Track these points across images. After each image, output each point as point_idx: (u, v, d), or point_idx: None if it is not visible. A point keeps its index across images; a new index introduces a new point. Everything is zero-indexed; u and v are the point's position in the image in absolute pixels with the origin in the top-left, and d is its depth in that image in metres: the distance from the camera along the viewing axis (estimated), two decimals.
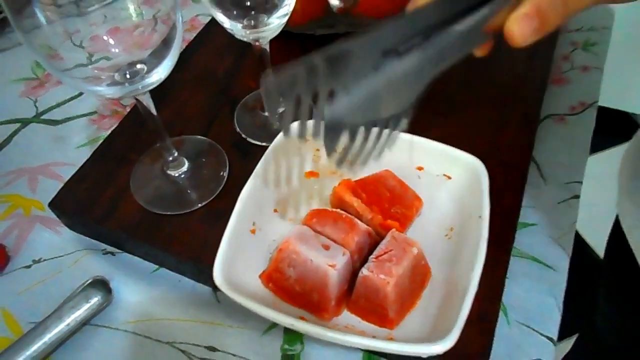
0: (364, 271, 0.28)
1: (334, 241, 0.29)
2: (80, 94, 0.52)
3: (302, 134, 0.26)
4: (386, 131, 0.25)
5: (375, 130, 0.25)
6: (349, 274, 0.29)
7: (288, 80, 0.23)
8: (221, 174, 0.40)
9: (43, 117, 0.51)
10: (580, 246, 1.10)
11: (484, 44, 0.27)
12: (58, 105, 0.52)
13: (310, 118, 0.24)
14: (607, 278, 0.53)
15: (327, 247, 0.28)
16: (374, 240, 0.30)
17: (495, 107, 0.43)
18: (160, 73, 0.31)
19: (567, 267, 0.38)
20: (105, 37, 0.29)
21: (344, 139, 0.23)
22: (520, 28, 0.25)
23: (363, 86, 0.24)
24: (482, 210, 0.29)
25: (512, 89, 0.45)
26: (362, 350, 0.34)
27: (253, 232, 0.32)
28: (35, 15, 0.26)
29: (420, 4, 0.26)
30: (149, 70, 0.30)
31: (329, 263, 0.28)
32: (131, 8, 0.29)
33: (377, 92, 0.24)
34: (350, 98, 0.23)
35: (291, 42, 0.46)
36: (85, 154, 0.43)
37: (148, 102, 0.33)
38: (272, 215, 0.33)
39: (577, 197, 0.42)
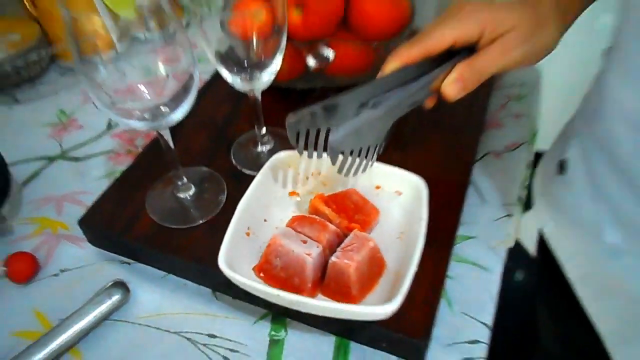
0: (333, 258, 0.36)
1: (310, 238, 0.38)
2: (99, 136, 0.62)
3: (310, 154, 0.39)
4: (368, 155, 0.39)
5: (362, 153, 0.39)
6: (321, 264, 0.38)
7: (301, 120, 0.37)
8: (220, 197, 0.49)
9: (67, 155, 0.60)
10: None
11: (430, 99, 0.40)
12: (80, 145, 0.61)
13: (315, 145, 0.38)
14: (542, 287, 0.61)
15: (305, 242, 0.37)
16: (341, 239, 0.39)
17: (443, 143, 0.53)
18: (179, 114, 0.41)
19: (501, 269, 0.47)
20: (140, 86, 0.39)
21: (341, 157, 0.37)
22: (450, 89, 0.38)
23: (348, 126, 0.37)
24: (422, 215, 0.39)
25: (455, 130, 0.56)
26: (334, 335, 0.42)
27: (248, 234, 0.40)
28: (98, 68, 0.36)
29: (385, 73, 0.38)
30: (171, 112, 0.40)
31: (306, 252, 0.36)
32: (160, 66, 0.39)
33: (358, 129, 0.37)
34: (340, 133, 0.37)
35: (277, 94, 0.56)
36: (103, 185, 0.52)
37: (167, 137, 0.43)
38: (263, 224, 0.42)
39: (511, 215, 0.52)
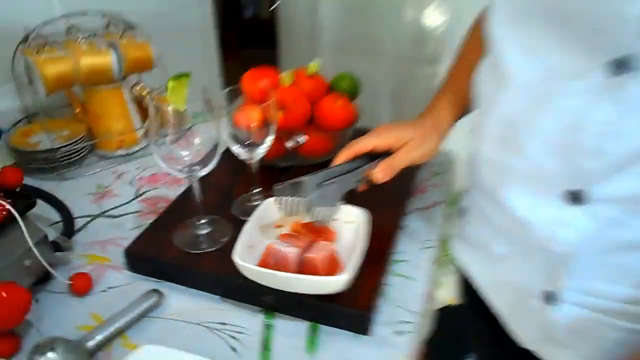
0: (306, 254, 0.57)
1: (292, 245, 0.59)
2: (129, 201, 0.83)
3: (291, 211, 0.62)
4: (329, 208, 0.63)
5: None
6: (299, 260, 0.58)
7: (283, 189, 0.60)
8: (226, 234, 0.69)
9: (105, 214, 0.80)
10: None
11: (364, 183, 0.64)
12: (115, 207, 0.81)
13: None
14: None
15: (288, 247, 0.58)
16: (310, 246, 0.60)
17: (385, 202, 0.76)
18: (207, 170, 0.63)
19: (424, 278, 0.68)
20: (182, 152, 0.62)
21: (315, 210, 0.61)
22: (377, 176, 0.63)
23: (314, 194, 0.59)
24: (365, 231, 0.60)
25: (395, 194, 0.79)
26: (307, 320, 0.60)
27: (251, 247, 0.61)
28: (164, 143, 0.59)
29: (336, 163, 0.62)
30: (201, 168, 0.63)
31: (289, 252, 0.57)
32: (195, 140, 0.62)
33: (321, 196, 0.60)
34: (311, 197, 0.60)
35: (265, 169, 0.79)
36: (135, 234, 0.71)
37: (196, 186, 0.64)
38: (261, 240, 0.63)
39: (431, 247, 0.73)
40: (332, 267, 0.58)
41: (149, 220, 0.76)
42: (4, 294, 0.52)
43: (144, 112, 0.95)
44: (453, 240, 0.75)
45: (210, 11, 1.46)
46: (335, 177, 0.63)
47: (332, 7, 2.46)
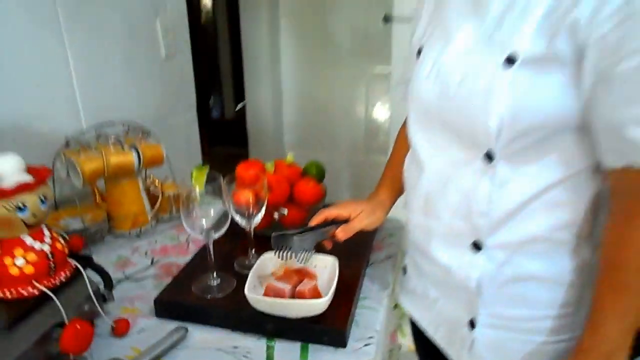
0: (297, 288, 0.79)
1: (286, 282, 0.81)
2: (147, 268, 1.03)
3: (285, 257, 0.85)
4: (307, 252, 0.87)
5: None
6: (292, 293, 0.80)
7: (277, 236, 0.85)
8: (231, 285, 0.90)
9: (129, 278, 0.99)
10: None
11: (328, 241, 0.90)
12: (137, 272, 1.01)
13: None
14: None
15: (283, 284, 0.80)
16: (299, 283, 0.82)
17: (350, 257, 1.00)
18: (220, 233, 0.86)
19: (384, 309, 0.90)
20: (203, 220, 0.85)
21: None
22: (339, 235, 0.89)
23: (296, 241, 0.85)
24: (335, 275, 0.84)
25: (358, 250, 1.03)
26: (299, 341, 0.81)
27: (254, 287, 0.82)
28: (188, 215, 0.82)
29: (311, 225, 0.88)
30: (215, 232, 0.86)
31: (284, 287, 0.79)
32: (211, 211, 0.86)
33: (301, 242, 0.86)
34: (296, 245, 0.86)
35: (256, 237, 1.02)
36: (155, 293, 0.91)
37: (211, 247, 0.87)
38: (260, 285, 0.85)
39: (388, 288, 0.97)
40: (315, 296, 0.80)
41: (165, 281, 0.96)
42: (78, 326, 0.71)
43: (152, 199, 1.18)
44: (398, 293, 0.98)
45: (195, 116, 1.75)
46: (310, 231, 0.87)
47: (294, 108, 2.84)
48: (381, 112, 2.73)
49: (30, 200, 0.69)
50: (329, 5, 2.55)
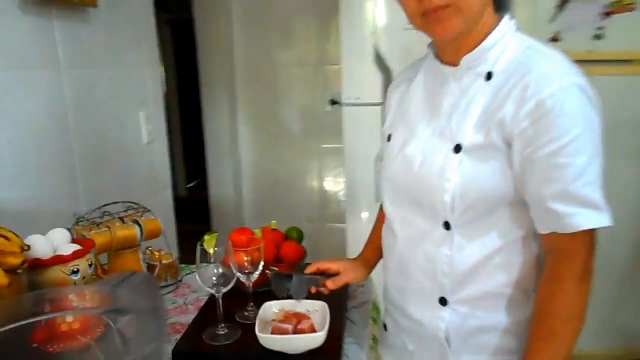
0: (298, 327, 0.97)
1: (288, 323, 0.98)
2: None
3: (283, 296, 1.03)
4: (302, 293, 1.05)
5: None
6: (294, 331, 0.97)
7: (277, 279, 1.04)
8: (237, 333, 1.06)
9: None
10: None
11: (319, 287, 1.09)
12: None
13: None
14: None
15: (286, 324, 0.98)
16: (298, 323, 1.00)
17: (333, 303, 1.19)
18: (228, 287, 1.03)
19: (366, 343, 1.08)
20: (214, 278, 1.02)
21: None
22: (328, 286, 1.08)
23: (293, 283, 1.04)
24: (327, 315, 1.02)
25: (338, 297, 1.22)
26: None
27: (261, 330, 0.99)
28: (200, 273, 1.00)
29: (307, 272, 1.08)
30: (224, 288, 1.02)
31: (287, 326, 0.97)
32: (220, 269, 1.03)
33: (298, 283, 1.04)
34: (294, 288, 1.04)
35: (253, 294, 1.19)
36: (167, 347, 1.05)
37: (220, 299, 1.03)
38: (269, 325, 1.01)
39: (367, 327, 1.15)
40: (313, 332, 0.98)
41: (174, 337, 1.10)
42: None
43: (150, 268, 1.33)
44: (380, 349, 1.15)
45: (172, 194, 1.92)
46: (305, 277, 1.06)
47: (251, 183, 3.05)
48: (333, 183, 3.00)
49: (82, 265, 0.85)
50: (280, 93, 2.88)
